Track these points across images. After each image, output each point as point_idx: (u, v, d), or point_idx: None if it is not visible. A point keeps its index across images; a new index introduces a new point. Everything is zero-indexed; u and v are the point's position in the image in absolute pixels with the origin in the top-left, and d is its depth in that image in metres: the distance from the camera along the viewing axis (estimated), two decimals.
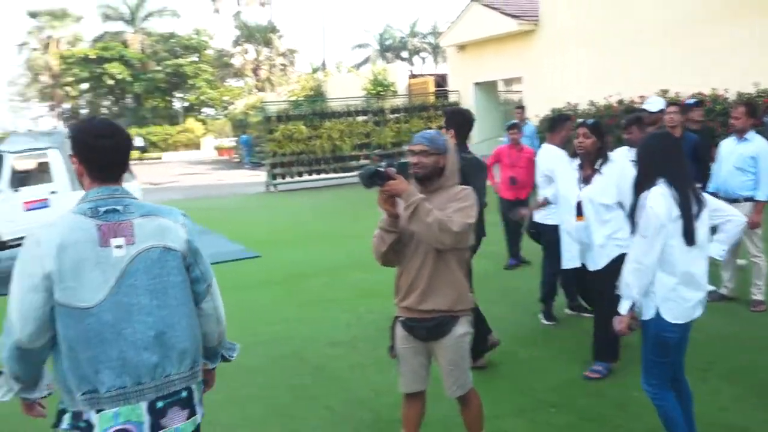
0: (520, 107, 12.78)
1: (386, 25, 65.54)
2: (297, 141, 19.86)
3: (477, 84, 21.46)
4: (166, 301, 2.33)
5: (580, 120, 5.27)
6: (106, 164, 2.35)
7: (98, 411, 2.22)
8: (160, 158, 42.74)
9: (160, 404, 2.30)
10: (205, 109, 56.33)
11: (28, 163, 10.70)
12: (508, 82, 22.70)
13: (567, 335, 5.74)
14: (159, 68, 51.78)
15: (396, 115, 21.42)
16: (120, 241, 2.25)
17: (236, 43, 49.49)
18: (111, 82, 50.70)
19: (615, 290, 3.50)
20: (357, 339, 5.97)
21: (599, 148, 4.61)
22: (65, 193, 10.29)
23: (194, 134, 48.63)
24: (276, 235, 11.94)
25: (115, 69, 49.36)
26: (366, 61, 57.43)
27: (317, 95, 28.44)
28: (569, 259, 5.13)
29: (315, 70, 39.38)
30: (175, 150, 46.45)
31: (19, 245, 9.29)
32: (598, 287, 4.71)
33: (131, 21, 53.59)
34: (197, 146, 47.54)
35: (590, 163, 4.65)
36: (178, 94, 56.33)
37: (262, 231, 12.42)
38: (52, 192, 10.12)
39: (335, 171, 20.53)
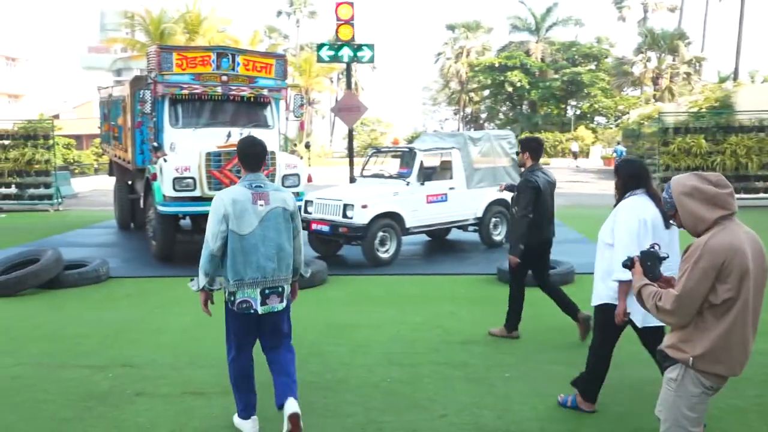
0: None
1: None
2: (694, 156, 18.41)
3: None
4: (281, 235, 4.19)
5: None
6: (252, 162, 4.23)
7: (240, 289, 4.08)
8: (548, 164, 43.69)
9: (267, 291, 4.14)
10: (597, 118, 55.78)
11: (434, 161, 11.91)
12: None
13: None
14: (556, 76, 52.88)
15: None
16: (262, 202, 4.14)
17: (638, 50, 47.77)
18: (510, 89, 53.48)
19: (604, 335, 4.55)
20: (738, 380, 5.30)
21: (620, 186, 4.58)
22: (461, 190, 11.21)
23: (583, 142, 48.51)
24: None
25: (516, 77, 51.89)
26: None
27: (723, 107, 25.89)
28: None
29: (723, 80, 35.96)
30: (563, 156, 47.01)
31: (418, 233, 10.40)
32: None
33: (535, 31, 55.70)
34: (585, 154, 47.35)
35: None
36: (571, 102, 56.82)
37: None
38: (451, 188, 11.09)
39: (737, 191, 18.47)
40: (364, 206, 10.00)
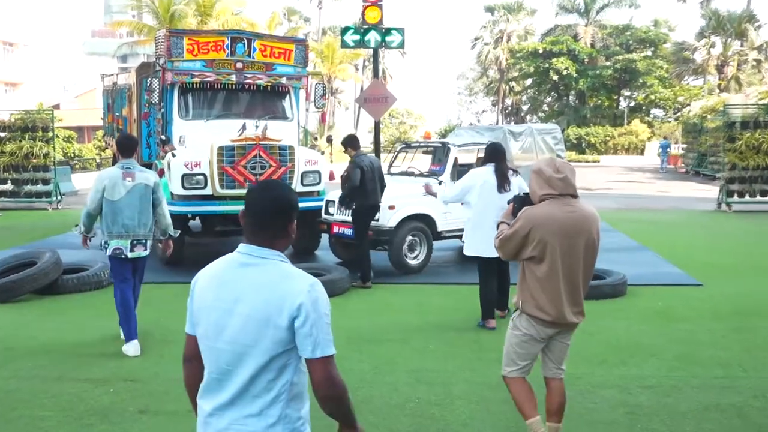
0: None
1: None
2: (765, 153, 18.11)
3: None
4: (143, 203, 6.52)
5: None
6: (126, 151, 6.61)
7: (111, 239, 6.45)
8: (598, 161, 43.25)
9: (134, 242, 6.49)
10: (653, 110, 55.16)
11: (469, 157, 11.87)
12: None
13: None
14: (608, 64, 52.41)
15: None
16: (129, 179, 6.44)
17: (701, 35, 47.11)
18: (555, 78, 53.12)
19: (480, 273, 7.47)
20: None
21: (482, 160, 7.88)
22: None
23: (638, 137, 48.06)
24: (722, 262, 11.12)
25: (562, 64, 51.50)
26: None
27: None
28: None
29: None
30: (614, 153, 46.61)
31: (453, 237, 10.33)
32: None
33: (585, 13, 55.27)
34: (640, 151, 46.92)
35: None
36: (624, 93, 56.24)
37: (704, 255, 11.67)
38: None
39: None
40: (392, 207, 9.99)
